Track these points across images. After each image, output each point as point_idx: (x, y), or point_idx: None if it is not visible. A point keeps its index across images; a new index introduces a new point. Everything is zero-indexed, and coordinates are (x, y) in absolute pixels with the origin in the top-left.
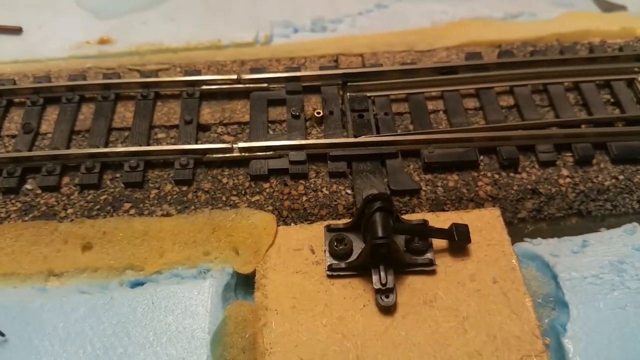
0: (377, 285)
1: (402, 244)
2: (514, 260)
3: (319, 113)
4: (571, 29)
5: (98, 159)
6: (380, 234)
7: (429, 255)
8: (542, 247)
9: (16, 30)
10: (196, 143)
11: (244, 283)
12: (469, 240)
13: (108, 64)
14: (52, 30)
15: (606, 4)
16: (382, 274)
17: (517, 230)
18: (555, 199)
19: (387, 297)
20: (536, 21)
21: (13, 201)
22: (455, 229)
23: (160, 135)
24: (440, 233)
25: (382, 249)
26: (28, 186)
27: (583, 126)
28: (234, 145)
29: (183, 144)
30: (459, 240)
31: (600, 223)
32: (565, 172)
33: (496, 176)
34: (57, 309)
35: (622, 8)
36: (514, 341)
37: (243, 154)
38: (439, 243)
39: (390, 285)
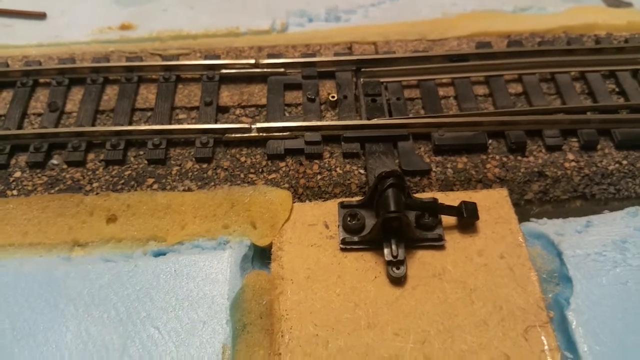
0: (389, 257)
1: (413, 220)
2: (520, 238)
3: (333, 97)
4: (578, 22)
5: (122, 137)
6: (392, 208)
7: (438, 231)
8: (548, 226)
9: (40, 16)
10: (216, 123)
11: (261, 255)
12: (477, 217)
13: (130, 48)
14: (75, 15)
15: (613, 0)
16: (394, 247)
17: (523, 211)
18: (561, 182)
19: (397, 268)
20: (545, 14)
21: (39, 175)
22: (465, 206)
23: (181, 116)
24: (449, 210)
25: (394, 223)
26: (54, 161)
27: (588, 113)
28: (252, 126)
29: (203, 123)
30: (467, 217)
31: (604, 206)
32: (570, 156)
33: (504, 159)
34: (82, 276)
35: (628, 5)
36: (519, 312)
37: (261, 134)
38: (448, 220)
39: (401, 257)
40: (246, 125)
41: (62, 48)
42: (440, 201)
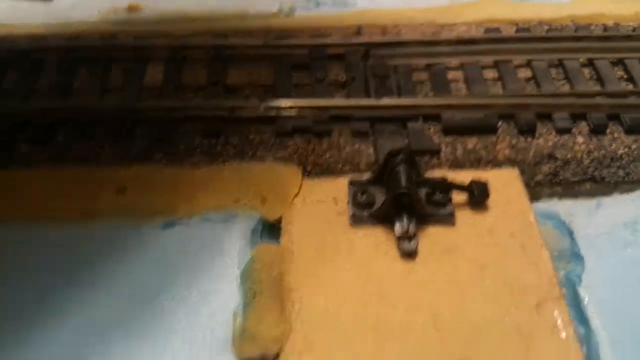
0: (400, 232)
1: (424, 197)
2: (531, 216)
3: (342, 78)
4: (586, 12)
5: (131, 113)
6: (403, 184)
7: (449, 208)
8: (558, 207)
9: None
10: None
11: (270, 230)
12: (488, 195)
13: (137, 29)
14: None
15: None
16: (405, 221)
17: (533, 192)
18: (571, 164)
19: (408, 243)
20: (551, 4)
21: (47, 149)
22: (475, 184)
23: (189, 95)
24: (460, 187)
25: (405, 199)
26: (61, 136)
27: (597, 98)
28: (261, 104)
29: (212, 100)
30: (478, 195)
31: (613, 189)
32: (580, 139)
33: (514, 141)
34: (91, 246)
35: None
36: (531, 288)
37: (270, 112)
38: (458, 199)
39: (412, 232)
40: (255, 103)
41: (69, 29)
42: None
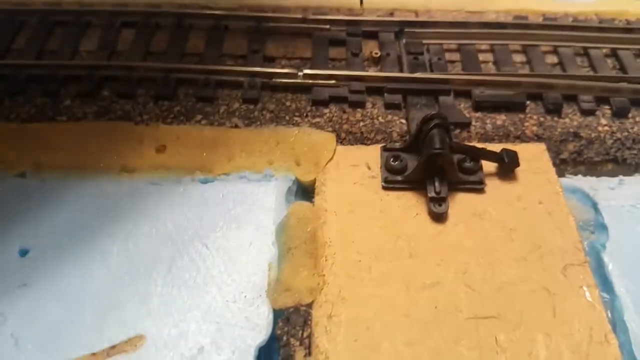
0: (432, 194)
1: (455, 163)
2: (557, 187)
3: (376, 53)
4: (610, 8)
5: (173, 74)
6: (437, 145)
7: (479, 175)
8: (582, 182)
9: None
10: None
11: (304, 192)
12: (518, 164)
13: (179, 1)
14: None
15: None
16: (437, 184)
17: (558, 170)
18: (595, 144)
19: (440, 205)
20: (576, 2)
21: (90, 104)
22: (506, 153)
23: (229, 63)
24: (491, 155)
25: (439, 160)
26: (105, 93)
27: (621, 83)
28: (299, 72)
29: (252, 67)
30: (508, 163)
31: (634, 171)
32: (603, 121)
33: (541, 119)
34: (131, 195)
35: None
36: (558, 251)
37: (307, 80)
38: (488, 168)
39: (443, 195)
40: (293, 71)
41: None
42: None
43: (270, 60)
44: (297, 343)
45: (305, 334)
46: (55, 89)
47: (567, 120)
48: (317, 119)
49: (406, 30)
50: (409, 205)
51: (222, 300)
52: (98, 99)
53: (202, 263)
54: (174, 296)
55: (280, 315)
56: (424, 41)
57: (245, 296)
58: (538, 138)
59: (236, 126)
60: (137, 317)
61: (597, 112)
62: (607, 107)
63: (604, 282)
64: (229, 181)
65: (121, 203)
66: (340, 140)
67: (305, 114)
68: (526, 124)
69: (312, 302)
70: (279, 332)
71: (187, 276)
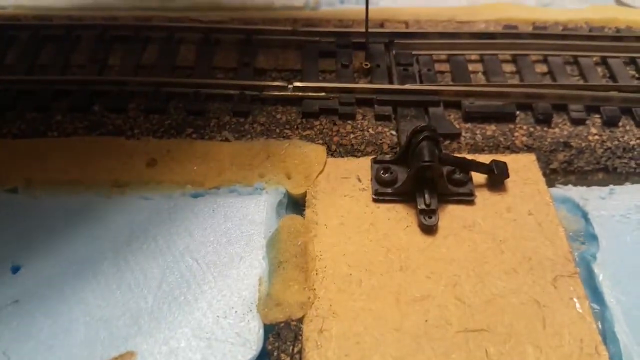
0: (422, 206)
1: (445, 176)
2: (548, 197)
3: (366, 65)
4: (599, 16)
5: (164, 88)
6: (427, 157)
7: (469, 187)
8: (573, 192)
9: None
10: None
11: (294, 205)
12: (508, 175)
13: (169, 15)
14: None
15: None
16: (427, 196)
17: (548, 180)
18: (585, 153)
19: (430, 217)
20: (566, 9)
21: (81, 119)
22: (496, 164)
23: (219, 76)
24: (481, 166)
25: (428, 173)
26: (96, 107)
27: (611, 92)
28: (289, 85)
29: (242, 80)
30: (498, 175)
31: (625, 180)
32: (594, 130)
33: (531, 129)
34: (122, 211)
35: None
36: (548, 263)
37: (297, 92)
38: (478, 179)
39: (433, 207)
40: (283, 84)
41: (103, 12)
42: None
43: (260, 73)
44: (288, 358)
45: (296, 349)
46: (46, 104)
47: (557, 130)
48: (308, 131)
49: (396, 41)
50: (399, 218)
51: (213, 316)
52: (89, 113)
53: (192, 278)
54: (165, 312)
55: (271, 330)
56: (414, 52)
57: (236, 311)
58: (528, 148)
59: (227, 139)
60: (127, 334)
61: (587, 121)
62: (597, 116)
63: (595, 293)
64: (219, 195)
65: (112, 218)
66: (331, 153)
67: (295, 127)
68: (516, 134)
69: (303, 316)
70: (269, 347)
71: (177, 292)
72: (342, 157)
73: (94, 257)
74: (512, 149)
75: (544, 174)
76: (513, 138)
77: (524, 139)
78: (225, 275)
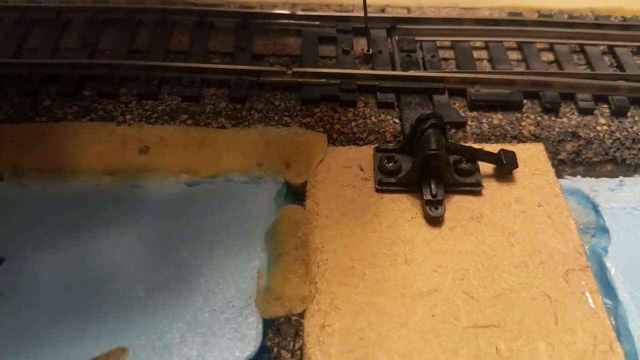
0: (427, 196)
1: (452, 165)
2: (557, 188)
3: (368, 51)
4: (605, 5)
5: (157, 72)
6: (433, 146)
7: (476, 177)
8: (582, 183)
9: None
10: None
11: (294, 195)
12: (516, 165)
13: None
14: None
15: None
16: (433, 186)
17: (556, 171)
18: (593, 144)
19: (436, 208)
20: None
21: (70, 105)
22: (504, 153)
23: (215, 61)
24: (489, 156)
25: (434, 162)
26: (86, 92)
27: (619, 81)
28: (288, 70)
29: (239, 65)
30: (506, 165)
31: (633, 172)
32: (602, 120)
33: (539, 118)
34: (113, 199)
35: None
36: (559, 256)
37: (296, 78)
38: (485, 169)
39: (440, 197)
40: (282, 69)
41: None
42: None
43: (258, 58)
44: (289, 355)
45: (296, 345)
46: (34, 89)
47: (564, 119)
48: (308, 119)
49: (398, 27)
50: (403, 209)
51: (209, 310)
52: (79, 98)
53: (187, 271)
54: (158, 306)
55: (271, 326)
56: (417, 38)
57: (234, 305)
58: (535, 138)
59: (223, 126)
60: (118, 329)
61: (596, 111)
62: (605, 105)
63: (607, 288)
64: (215, 184)
65: (103, 207)
66: (332, 141)
67: (295, 114)
68: (523, 123)
69: (304, 311)
70: (269, 343)
71: (171, 284)
72: (344, 145)
73: (83, 248)
74: (519, 138)
75: (552, 165)
76: (520, 127)
77: (532, 128)
78: (222, 268)
